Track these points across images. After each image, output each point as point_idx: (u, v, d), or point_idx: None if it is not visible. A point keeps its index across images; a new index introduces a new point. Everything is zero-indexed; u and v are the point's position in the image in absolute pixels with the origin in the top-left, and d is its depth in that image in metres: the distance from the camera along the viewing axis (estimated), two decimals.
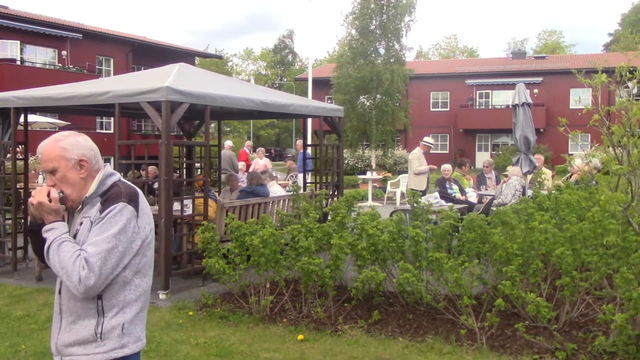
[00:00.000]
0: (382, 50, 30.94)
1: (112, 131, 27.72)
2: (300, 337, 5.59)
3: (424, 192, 11.62)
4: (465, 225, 6.23)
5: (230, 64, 71.46)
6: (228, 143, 16.76)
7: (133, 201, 2.46)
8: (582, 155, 6.64)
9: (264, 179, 9.34)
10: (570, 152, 28.95)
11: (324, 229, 6.34)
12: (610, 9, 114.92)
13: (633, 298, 4.78)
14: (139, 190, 2.53)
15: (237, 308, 6.39)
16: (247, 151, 20.25)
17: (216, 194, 10.23)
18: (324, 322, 5.93)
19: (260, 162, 16.97)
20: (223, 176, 11.34)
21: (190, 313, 6.37)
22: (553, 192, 8.16)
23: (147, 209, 2.54)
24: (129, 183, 2.56)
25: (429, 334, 5.63)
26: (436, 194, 10.39)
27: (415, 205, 6.77)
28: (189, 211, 7.77)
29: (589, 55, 46.07)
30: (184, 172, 9.82)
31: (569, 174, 11.77)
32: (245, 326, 5.95)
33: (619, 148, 5.39)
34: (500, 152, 38.49)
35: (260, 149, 19.07)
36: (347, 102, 29.51)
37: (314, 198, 8.62)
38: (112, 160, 16.47)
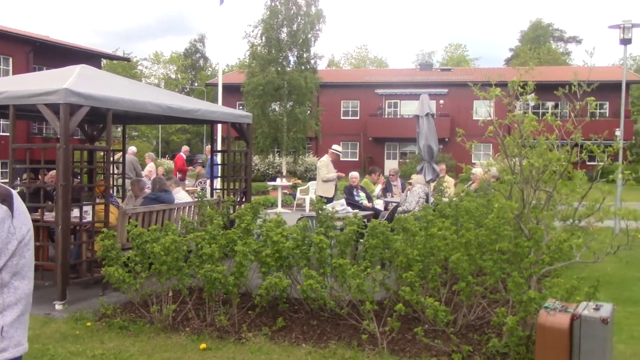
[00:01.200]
0: (292, 59, 31.13)
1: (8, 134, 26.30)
2: (203, 346, 5.50)
3: (331, 199, 11.75)
4: (369, 231, 6.34)
5: (139, 67, 69.65)
6: (132, 149, 16.28)
7: (6, 201, 2.35)
8: (482, 165, 6.93)
9: (169, 185, 9.15)
10: (473, 162, 30.10)
11: (229, 235, 6.28)
12: (511, 26, 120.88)
13: (523, 301, 5.02)
14: (13, 190, 2.43)
15: (138, 318, 6.21)
16: (184, 157, 19.41)
17: (119, 200, 9.93)
18: (228, 330, 5.86)
19: (148, 167, 16.32)
20: (127, 182, 11.03)
21: (88, 324, 6.12)
22: (454, 199, 8.46)
23: (23, 209, 2.43)
24: (1, 184, 2.45)
25: (332, 339, 5.68)
26: (343, 201, 10.54)
27: (320, 212, 6.83)
28: (89, 218, 7.49)
29: (491, 68, 48.25)
30: (85, 177, 9.48)
31: (469, 183, 12.24)
32: (146, 336, 5.79)
33: (513, 158, 5.66)
34: (408, 160, 39.60)
35: (149, 154, 18.15)
36: (258, 109, 29.46)
37: (220, 205, 8.52)
38: (8, 164, 15.60)
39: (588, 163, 5.27)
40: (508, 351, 5.15)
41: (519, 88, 5.33)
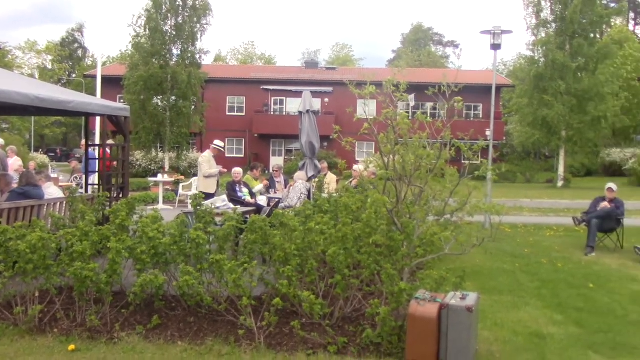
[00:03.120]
0: (176, 52, 30.48)
1: None
2: (72, 347, 5.26)
3: (213, 195, 11.60)
4: (248, 227, 6.32)
5: (11, 56, 65.25)
6: None
7: None
8: (363, 162, 7.06)
9: (39, 180, 8.66)
10: (357, 159, 30.83)
11: (102, 232, 6.04)
12: (394, 29, 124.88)
13: (395, 292, 5.20)
14: None
15: (0, 320, 5.84)
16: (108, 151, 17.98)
17: None
18: (99, 330, 5.64)
19: (10, 161, 15.29)
20: None
21: None
22: (334, 195, 8.62)
23: None
24: None
25: (209, 336, 5.61)
26: (224, 197, 10.44)
27: (198, 207, 6.72)
28: None
29: (375, 69, 49.66)
30: None
31: (350, 179, 12.53)
32: (8, 339, 5.45)
33: (387, 155, 5.85)
34: (293, 157, 39.91)
35: (12, 147, 16.73)
36: (139, 103, 28.60)
37: (94, 201, 8.17)
38: None
39: (464, 162, 5.54)
40: (381, 341, 5.32)
41: (393, 87, 5.51)
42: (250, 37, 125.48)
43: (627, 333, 6.08)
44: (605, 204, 11.10)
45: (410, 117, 5.94)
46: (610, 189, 11.22)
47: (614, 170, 39.16)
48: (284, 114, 44.48)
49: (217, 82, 42.13)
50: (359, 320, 6.07)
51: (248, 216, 8.12)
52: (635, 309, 6.99)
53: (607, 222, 10.96)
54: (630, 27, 64.42)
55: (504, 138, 46.72)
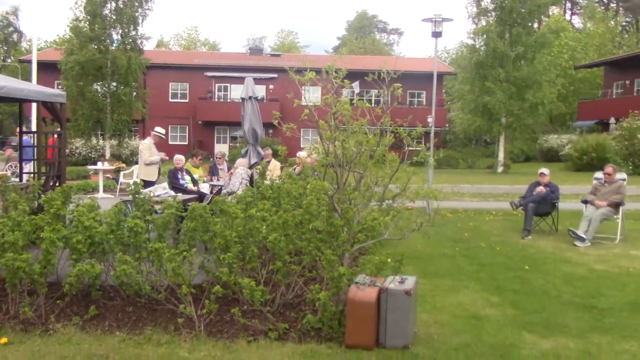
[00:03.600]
0: (116, 37, 29.72)
1: None
2: (4, 340, 5.09)
3: (154, 183, 11.41)
4: (188, 215, 6.24)
5: None
6: None
7: None
8: (307, 148, 7.04)
9: None
10: (302, 146, 30.84)
11: (35, 222, 5.86)
12: (339, 16, 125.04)
13: (335, 277, 5.24)
14: None
15: None
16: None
17: None
18: (33, 322, 5.48)
19: None
20: None
21: None
22: (276, 182, 8.59)
23: None
24: None
25: (148, 325, 5.53)
26: (165, 184, 10.28)
27: (137, 195, 6.59)
28: None
29: (320, 56, 49.61)
30: None
31: (294, 166, 12.52)
32: None
33: (328, 141, 5.85)
34: (238, 144, 39.62)
35: None
36: (77, 88, 27.81)
37: (29, 189, 7.92)
38: None
39: (407, 148, 5.61)
40: (322, 326, 5.35)
41: (334, 73, 5.51)
42: (193, 22, 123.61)
43: (560, 312, 6.29)
44: (540, 189, 11.43)
45: (354, 104, 5.95)
46: (542, 174, 11.58)
47: (551, 156, 40.42)
48: (228, 100, 44.06)
49: (160, 68, 41.39)
50: (300, 306, 6.09)
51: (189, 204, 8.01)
52: (568, 290, 7.24)
53: (542, 206, 11.30)
54: (567, 17, 66.44)
55: (447, 125, 47.56)
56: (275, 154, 12.97)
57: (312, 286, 5.48)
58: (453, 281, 7.61)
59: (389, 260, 5.85)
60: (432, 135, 14.46)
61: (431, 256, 9.14)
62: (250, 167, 10.65)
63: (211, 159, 13.82)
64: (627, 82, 41.90)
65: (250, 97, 10.45)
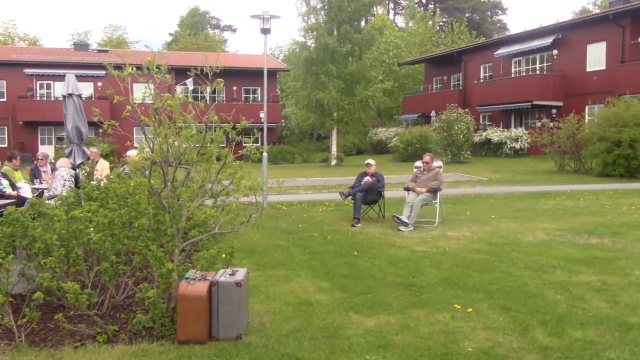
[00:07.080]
0: None
1: None
2: None
3: None
4: (3, 220, 5.85)
5: None
6: None
7: None
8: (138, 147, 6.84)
9: None
10: (135, 145, 29.78)
11: None
12: (172, 11, 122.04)
13: (164, 274, 5.20)
14: None
15: None
16: None
17: None
18: None
19: None
20: None
21: None
22: (103, 182, 8.29)
23: None
24: None
25: None
26: None
27: None
28: None
29: (150, 52, 48.08)
30: None
31: (123, 166, 12.11)
32: None
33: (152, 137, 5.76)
34: (64, 145, 37.37)
35: None
36: None
37: None
38: None
39: (245, 145, 5.67)
40: (153, 325, 5.28)
41: (155, 68, 5.43)
42: (10, 15, 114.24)
43: (384, 292, 6.73)
44: (367, 179, 12.08)
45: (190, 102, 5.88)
46: (368, 164, 12.27)
47: (380, 148, 42.69)
48: (52, 99, 41.39)
49: None
50: (131, 307, 5.97)
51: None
52: (392, 271, 7.74)
53: (369, 194, 11.94)
54: (390, 17, 70.32)
55: (282, 121, 48.39)
56: (107, 156, 12.49)
57: (142, 285, 5.39)
58: (286, 271, 7.84)
59: (223, 255, 5.91)
60: (264, 130, 14.69)
61: (266, 248, 9.33)
62: (76, 167, 10.14)
63: (34, 161, 12.96)
64: (445, 77, 45.39)
65: (71, 95, 9.94)
